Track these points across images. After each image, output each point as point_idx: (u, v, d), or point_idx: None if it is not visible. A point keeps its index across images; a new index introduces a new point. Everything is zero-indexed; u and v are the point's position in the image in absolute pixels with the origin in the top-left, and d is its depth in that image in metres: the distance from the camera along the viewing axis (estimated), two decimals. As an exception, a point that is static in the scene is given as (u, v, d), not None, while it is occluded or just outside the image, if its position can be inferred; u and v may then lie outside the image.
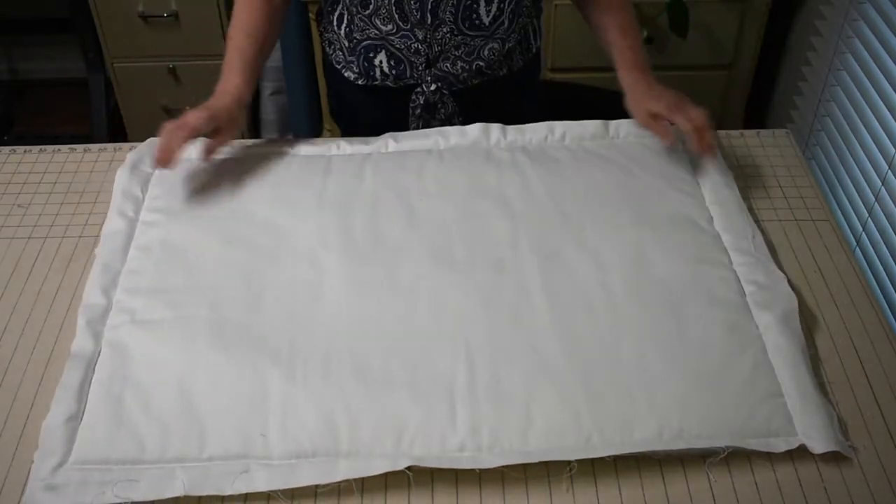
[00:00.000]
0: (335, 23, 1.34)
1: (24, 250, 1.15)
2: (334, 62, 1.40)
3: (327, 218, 1.15)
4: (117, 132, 2.55)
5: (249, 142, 1.33)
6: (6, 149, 1.34)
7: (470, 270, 1.07)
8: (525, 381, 0.93)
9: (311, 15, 2.28)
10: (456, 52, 1.29)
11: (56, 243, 1.16)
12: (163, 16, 2.25)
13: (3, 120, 2.81)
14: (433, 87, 1.33)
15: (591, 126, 1.30)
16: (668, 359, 0.96)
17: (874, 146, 1.74)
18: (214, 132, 1.18)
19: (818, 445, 0.88)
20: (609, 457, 0.87)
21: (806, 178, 1.26)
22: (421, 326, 1.00)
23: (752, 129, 1.37)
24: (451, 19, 1.25)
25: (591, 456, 0.87)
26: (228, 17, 2.28)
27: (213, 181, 1.22)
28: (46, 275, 1.11)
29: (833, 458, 0.88)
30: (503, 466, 0.86)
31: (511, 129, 1.30)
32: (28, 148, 1.34)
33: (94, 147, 1.34)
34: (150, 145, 1.29)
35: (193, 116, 1.15)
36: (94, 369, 0.96)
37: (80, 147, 1.34)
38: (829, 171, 1.97)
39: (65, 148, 1.34)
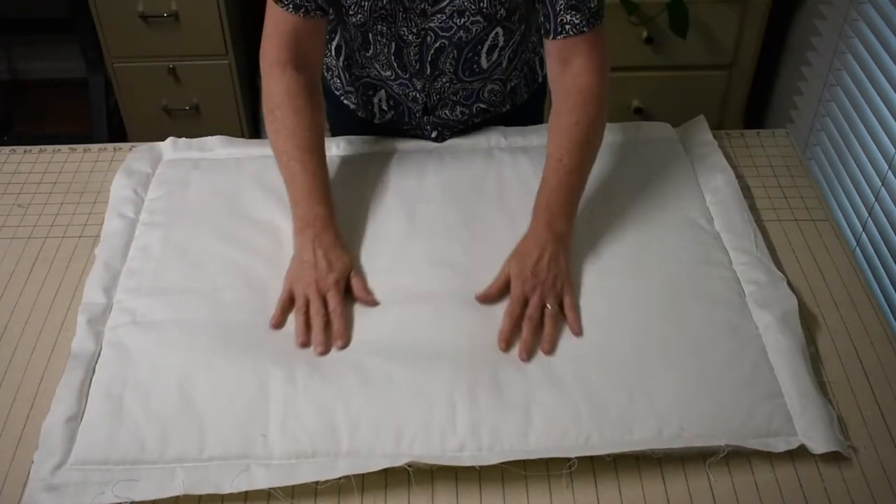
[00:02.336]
0: (333, 52, 1.29)
1: (24, 250, 1.15)
2: (332, 88, 1.36)
3: None
4: (117, 132, 2.55)
5: (249, 142, 1.32)
6: (6, 149, 1.34)
7: (470, 273, 1.07)
8: (525, 382, 0.93)
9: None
10: (454, 98, 1.25)
11: (56, 243, 1.16)
12: (163, 16, 2.25)
13: (3, 120, 2.80)
14: (434, 133, 1.30)
15: None
16: (668, 359, 0.96)
17: (874, 146, 1.74)
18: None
19: (818, 446, 0.88)
20: (609, 456, 0.87)
21: (806, 178, 1.26)
22: (420, 327, 1.00)
23: (752, 129, 1.37)
24: (451, 69, 1.20)
25: (590, 454, 0.87)
26: (229, 17, 2.30)
27: (213, 182, 1.22)
28: (46, 275, 1.11)
29: (833, 458, 0.88)
30: (503, 465, 0.86)
31: (512, 130, 1.30)
32: (28, 148, 1.34)
33: (94, 147, 1.34)
34: (151, 148, 1.29)
35: (335, 300, 1.01)
36: (94, 369, 0.96)
37: (80, 147, 1.34)
38: (829, 171, 1.97)
39: (65, 148, 1.34)
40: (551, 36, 1.11)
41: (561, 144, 1.09)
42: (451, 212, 1.16)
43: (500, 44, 1.17)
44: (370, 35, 1.15)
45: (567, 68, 1.12)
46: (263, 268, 1.08)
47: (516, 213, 1.15)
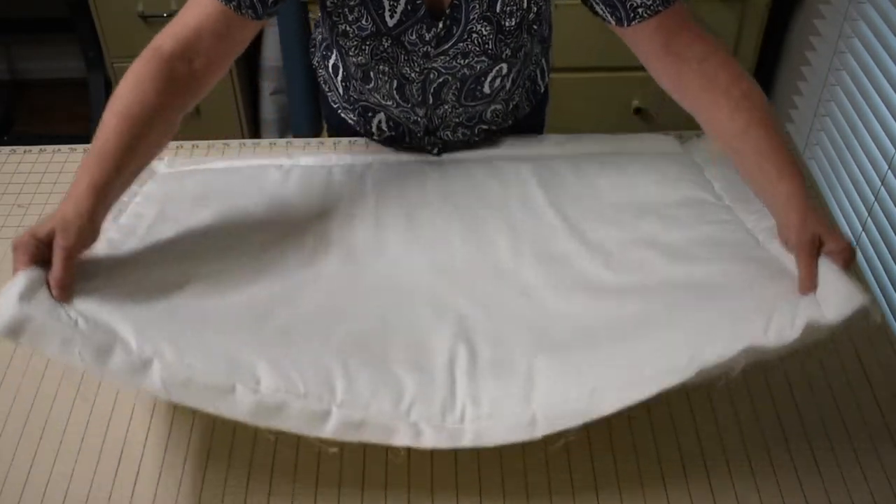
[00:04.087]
0: (331, 70, 1.27)
1: (25, 250, 1.14)
2: (330, 100, 1.34)
3: (327, 229, 1.13)
4: (117, 132, 2.55)
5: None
6: (6, 149, 1.34)
7: (470, 280, 1.06)
8: (526, 348, 0.90)
9: (311, 15, 2.28)
10: (457, 120, 1.24)
11: (56, 243, 1.15)
12: (163, 16, 2.25)
13: (3, 120, 2.81)
14: (434, 150, 1.28)
15: (595, 139, 1.30)
16: (676, 304, 0.91)
17: (874, 146, 1.74)
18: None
19: (837, 307, 0.81)
20: (608, 456, 0.87)
21: (806, 179, 1.26)
22: (420, 306, 0.97)
23: (752, 129, 1.37)
24: (454, 98, 1.19)
25: (598, 409, 0.80)
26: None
27: (210, 191, 1.19)
28: (46, 275, 1.10)
29: (833, 457, 0.88)
30: (503, 467, 0.86)
31: (513, 139, 1.29)
32: (28, 148, 1.34)
33: (94, 147, 1.34)
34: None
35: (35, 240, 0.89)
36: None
37: (80, 147, 1.34)
38: (829, 171, 1.97)
39: (65, 148, 1.34)
40: (626, 24, 1.02)
41: (753, 115, 0.96)
42: (452, 221, 1.15)
43: (504, 72, 1.16)
44: (371, 73, 1.15)
45: (685, 60, 1.01)
46: (262, 278, 1.02)
47: (517, 222, 1.14)
